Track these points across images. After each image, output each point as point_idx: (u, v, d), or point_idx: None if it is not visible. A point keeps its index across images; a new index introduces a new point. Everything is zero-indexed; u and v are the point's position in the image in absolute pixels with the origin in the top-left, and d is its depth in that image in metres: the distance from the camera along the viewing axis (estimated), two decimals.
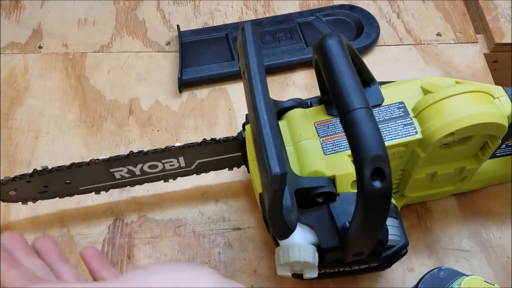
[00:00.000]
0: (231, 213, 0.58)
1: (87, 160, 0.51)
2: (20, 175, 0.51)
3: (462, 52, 0.72)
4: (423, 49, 0.72)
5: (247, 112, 0.45)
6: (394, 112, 0.48)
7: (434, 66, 0.70)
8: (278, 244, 0.46)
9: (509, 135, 0.49)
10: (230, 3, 0.76)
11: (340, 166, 0.45)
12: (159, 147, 0.52)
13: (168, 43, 0.72)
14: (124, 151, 0.54)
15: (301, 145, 0.47)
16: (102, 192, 0.56)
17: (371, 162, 0.35)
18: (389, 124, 0.47)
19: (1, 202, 0.55)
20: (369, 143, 0.35)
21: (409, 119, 0.47)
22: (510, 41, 0.72)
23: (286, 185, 0.35)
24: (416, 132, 0.46)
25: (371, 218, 0.38)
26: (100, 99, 0.66)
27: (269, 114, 0.36)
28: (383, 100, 0.49)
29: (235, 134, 0.53)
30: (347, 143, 0.37)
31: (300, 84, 0.68)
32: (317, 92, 0.51)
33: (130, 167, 0.53)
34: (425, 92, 0.48)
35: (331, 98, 0.39)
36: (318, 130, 0.48)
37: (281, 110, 0.50)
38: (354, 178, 0.38)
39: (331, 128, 0.48)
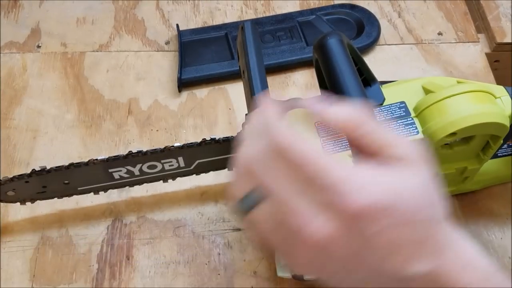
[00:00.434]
0: (231, 214, 0.57)
1: (86, 160, 0.51)
2: (19, 175, 0.51)
3: (464, 52, 0.71)
4: (424, 48, 0.72)
5: (247, 112, 0.44)
6: (395, 112, 0.47)
7: (435, 65, 0.70)
8: None
9: (511, 135, 0.49)
10: (229, 2, 0.76)
11: None
12: (158, 147, 0.52)
13: (167, 42, 0.71)
14: (123, 151, 0.54)
15: None
16: (101, 193, 0.56)
17: None
18: (390, 124, 0.47)
19: (0, 203, 0.55)
20: None
21: (410, 119, 0.47)
22: (511, 41, 0.71)
23: None
24: (417, 132, 0.46)
25: None
26: (99, 98, 0.66)
27: None
28: (384, 99, 0.48)
29: (235, 134, 0.53)
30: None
31: (300, 84, 0.68)
32: (317, 92, 0.50)
33: (129, 167, 0.53)
34: (426, 91, 0.48)
35: None
36: (318, 130, 0.48)
37: None
38: None
39: (331, 128, 0.48)
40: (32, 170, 0.51)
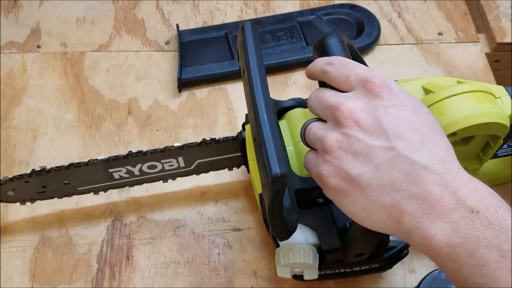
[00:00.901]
0: (231, 214, 0.57)
1: (86, 160, 0.51)
2: (19, 175, 0.51)
3: (464, 52, 0.71)
4: (424, 48, 0.72)
5: (247, 112, 0.44)
6: None
7: (435, 65, 0.70)
8: (278, 245, 0.45)
9: (511, 135, 0.49)
10: (229, 2, 0.76)
11: None
12: (158, 147, 0.52)
13: (167, 42, 0.71)
14: (123, 151, 0.54)
15: (302, 145, 0.46)
16: (101, 193, 0.56)
17: None
18: None
19: (0, 203, 0.55)
20: None
21: None
22: (511, 41, 0.71)
23: (286, 185, 0.35)
24: None
25: None
26: (99, 98, 0.66)
27: (269, 114, 0.36)
28: None
29: (234, 134, 0.53)
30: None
31: (301, 84, 0.68)
32: None
33: (129, 167, 0.53)
34: (426, 91, 0.48)
35: None
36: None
37: (281, 110, 0.50)
38: None
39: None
40: (32, 170, 0.51)
